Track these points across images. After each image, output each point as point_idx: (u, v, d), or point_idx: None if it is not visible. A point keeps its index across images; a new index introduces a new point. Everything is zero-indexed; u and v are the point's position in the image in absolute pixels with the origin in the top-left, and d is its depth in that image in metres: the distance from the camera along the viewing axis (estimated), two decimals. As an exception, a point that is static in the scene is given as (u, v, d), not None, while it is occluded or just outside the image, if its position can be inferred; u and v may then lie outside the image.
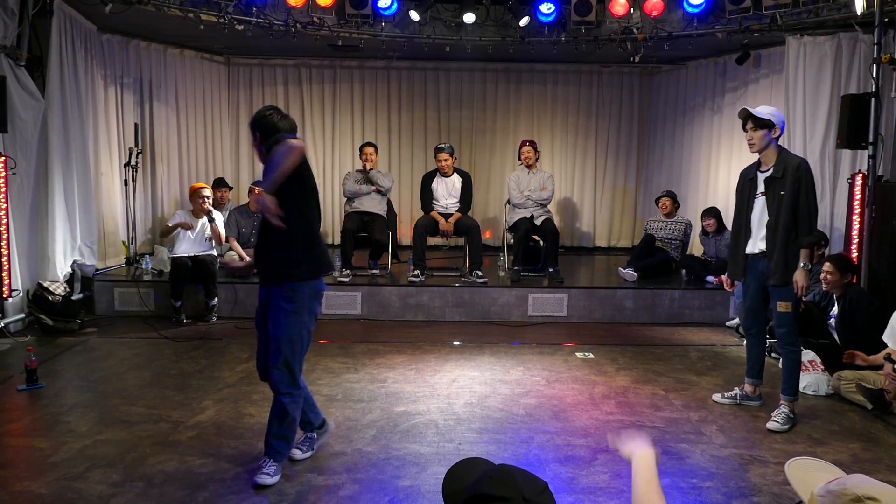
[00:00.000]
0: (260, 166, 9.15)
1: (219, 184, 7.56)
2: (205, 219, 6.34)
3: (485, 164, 9.45)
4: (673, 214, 7.37)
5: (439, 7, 7.32)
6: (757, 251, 3.94)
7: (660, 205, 7.42)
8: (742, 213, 4.02)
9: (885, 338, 4.33)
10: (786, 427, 3.86)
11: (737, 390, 4.24)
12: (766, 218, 3.85)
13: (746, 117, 3.85)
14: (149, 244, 7.84)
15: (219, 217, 6.44)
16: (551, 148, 9.43)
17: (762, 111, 3.81)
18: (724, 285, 4.30)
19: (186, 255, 6.23)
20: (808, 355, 4.66)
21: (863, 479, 1.32)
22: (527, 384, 4.61)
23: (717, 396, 4.28)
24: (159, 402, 4.15)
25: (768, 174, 3.85)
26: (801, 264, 3.76)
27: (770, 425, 3.89)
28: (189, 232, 6.28)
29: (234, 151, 9.22)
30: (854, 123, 5.53)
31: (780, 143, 3.87)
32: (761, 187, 3.90)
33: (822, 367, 4.59)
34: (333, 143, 9.32)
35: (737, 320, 5.95)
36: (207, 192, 6.35)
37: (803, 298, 5.04)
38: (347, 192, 6.96)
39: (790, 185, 3.73)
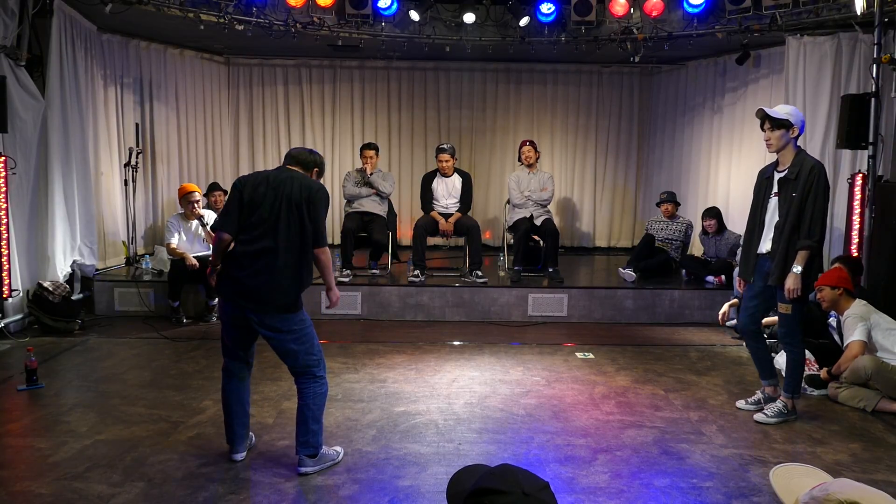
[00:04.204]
0: (260, 167, 9.00)
1: (213, 188, 7.52)
2: (196, 221, 6.32)
3: (485, 164, 9.46)
4: (674, 215, 7.37)
5: (439, 7, 7.33)
6: (764, 251, 3.91)
7: (661, 209, 7.42)
8: (757, 212, 3.97)
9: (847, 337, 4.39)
10: (772, 421, 3.92)
11: (759, 394, 4.16)
12: (777, 219, 3.82)
13: (764, 118, 3.80)
14: (149, 244, 7.85)
15: (212, 217, 6.39)
16: (551, 148, 9.43)
17: (779, 111, 3.76)
18: (737, 285, 4.24)
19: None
20: None
21: (846, 484, 1.31)
22: (527, 384, 4.61)
23: (740, 403, 4.19)
24: (159, 402, 4.16)
25: (783, 175, 3.80)
26: (795, 268, 3.71)
27: (757, 416, 3.97)
28: (182, 233, 6.28)
29: (234, 151, 9.22)
30: (854, 123, 5.53)
31: (798, 143, 3.82)
32: (776, 188, 3.86)
33: (817, 365, 4.59)
34: (333, 143, 9.32)
35: (735, 321, 5.95)
36: (197, 195, 6.29)
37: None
38: (347, 195, 6.97)
39: (801, 188, 3.67)
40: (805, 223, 3.69)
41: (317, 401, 3.27)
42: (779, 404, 3.97)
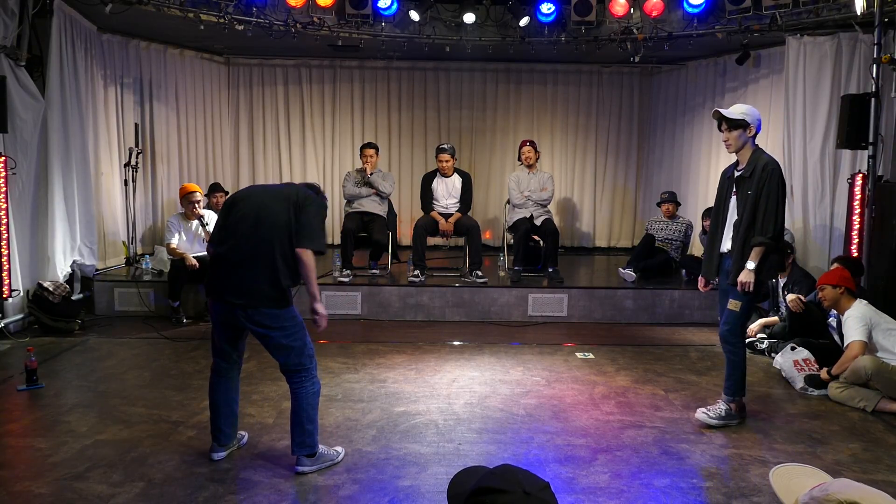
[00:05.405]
0: (260, 167, 8.98)
1: (214, 189, 7.51)
2: (197, 221, 6.32)
3: (485, 164, 9.46)
4: (674, 215, 7.37)
5: (439, 7, 7.32)
6: (725, 250, 3.92)
7: (662, 209, 7.42)
8: (719, 212, 3.99)
9: (848, 336, 4.37)
10: (713, 422, 3.84)
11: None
12: (735, 217, 3.83)
13: (720, 119, 3.81)
14: (149, 244, 7.85)
15: (213, 218, 6.41)
16: (551, 148, 9.43)
17: (734, 111, 3.77)
18: (699, 285, 4.15)
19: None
20: (801, 353, 4.67)
21: (846, 484, 1.31)
22: (527, 384, 4.61)
23: (701, 415, 3.92)
24: (159, 402, 4.16)
25: (740, 173, 3.82)
26: (749, 264, 3.69)
27: (698, 414, 3.88)
28: (182, 233, 6.28)
29: (235, 151, 9.22)
30: (854, 123, 5.53)
31: (757, 140, 3.83)
32: (735, 187, 3.88)
33: (817, 366, 4.59)
34: (333, 143, 9.32)
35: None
36: (198, 195, 6.30)
37: (803, 299, 5.08)
38: (347, 195, 6.97)
39: (756, 185, 3.69)
40: (759, 220, 3.69)
41: (310, 400, 3.26)
42: (721, 406, 3.89)
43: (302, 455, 3.24)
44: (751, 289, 3.71)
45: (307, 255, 3.17)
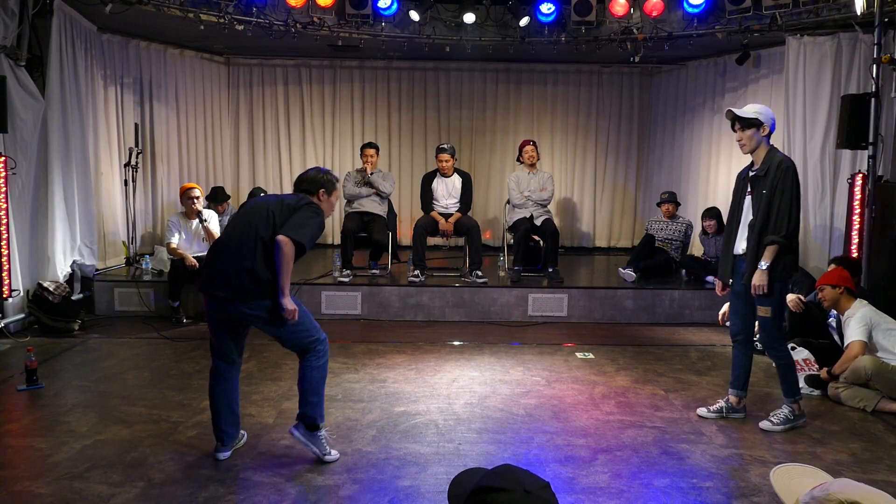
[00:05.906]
0: (260, 167, 9.00)
1: (216, 198, 7.43)
2: (197, 220, 6.30)
3: (485, 164, 9.46)
4: (674, 215, 7.37)
5: (439, 7, 7.33)
6: (740, 251, 3.85)
7: (662, 209, 7.42)
8: (734, 214, 3.93)
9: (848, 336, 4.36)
10: (778, 428, 3.83)
11: (721, 403, 4.05)
12: (750, 217, 3.78)
13: (734, 119, 3.78)
14: (149, 244, 7.85)
15: (212, 216, 6.40)
16: (551, 148, 9.43)
17: (748, 111, 3.74)
18: (717, 289, 4.09)
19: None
20: (801, 353, 4.67)
21: (847, 484, 1.31)
22: (527, 384, 4.61)
23: (702, 411, 4.06)
24: (159, 402, 4.16)
25: (755, 173, 3.78)
26: (761, 264, 3.63)
27: (763, 424, 3.87)
28: (182, 232, 6.27)
29: (235, 151, 9.22)
30: (854, 123, 5.53)
31: (770, 140, 3.79)
32: (749, 187, 3.84)
33: (817, 366, 4.59)
34: (333, 143, 9.32)
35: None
36: (197, 192, 6.27)
37: (803, 299, 5.07)
38: (347, 195, 6.96)
39: (770, 184, 3.64)
40: (772, 219, 3.65)
41: (314, 374, 3.33)
42: (785, 410, 3.87)
43: (302, 423, 3.31)
44: (764, 290, 3.65)
45: (285, 244, 3.13)
